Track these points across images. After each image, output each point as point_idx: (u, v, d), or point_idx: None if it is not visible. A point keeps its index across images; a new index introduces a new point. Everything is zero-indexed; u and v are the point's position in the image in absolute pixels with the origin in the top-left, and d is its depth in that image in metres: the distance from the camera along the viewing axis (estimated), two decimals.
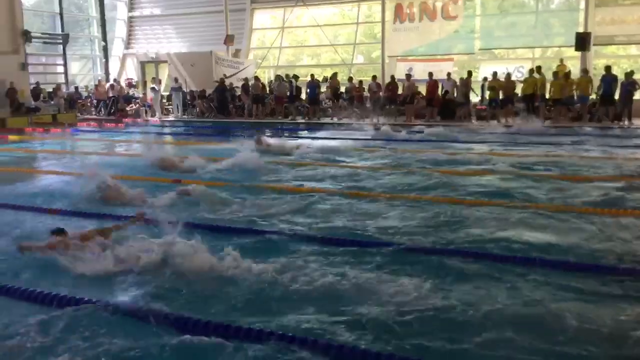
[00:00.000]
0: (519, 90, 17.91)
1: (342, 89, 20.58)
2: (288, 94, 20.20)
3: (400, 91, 19.33)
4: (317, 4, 24.26)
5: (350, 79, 20.63)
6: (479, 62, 22.18)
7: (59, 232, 4.76)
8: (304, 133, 15.84)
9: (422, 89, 19.34)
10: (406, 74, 19.63)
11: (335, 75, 20.80)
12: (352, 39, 24.69)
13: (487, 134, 14.47)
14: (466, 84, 18.14)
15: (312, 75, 20.41)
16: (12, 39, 20.91)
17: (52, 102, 21.46)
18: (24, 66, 21.22)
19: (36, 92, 21.70)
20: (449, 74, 18.86)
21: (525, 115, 16.70)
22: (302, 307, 3.76)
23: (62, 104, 21.56)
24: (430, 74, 18.66)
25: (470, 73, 18.58)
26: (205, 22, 25.75)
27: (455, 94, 18.41)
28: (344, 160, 10.30)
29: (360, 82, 20.24)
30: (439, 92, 18.74)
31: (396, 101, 19.30)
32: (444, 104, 18.68)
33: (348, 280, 4.14)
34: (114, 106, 22.19)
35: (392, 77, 19.78)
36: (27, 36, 21.35)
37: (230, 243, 4.84)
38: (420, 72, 20.58)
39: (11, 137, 15.18)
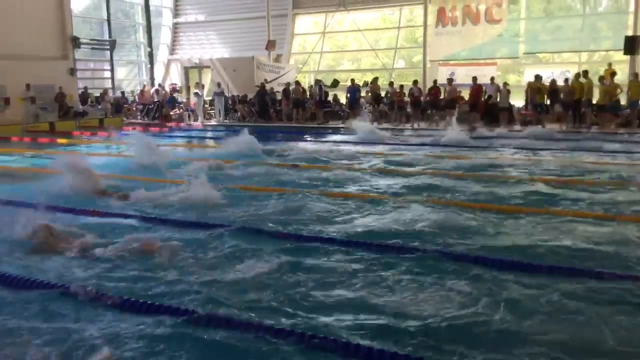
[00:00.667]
0: (564, 95, 17.46)
1: (383, 94, 20.48)
2: (317, 98, 20.31)
3: (442, 96, 19.14)
4: (359, 9, 24.26)
5: (391, 84, 20.53)
6: (523, 66, 21.77)
7: None
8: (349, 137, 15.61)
9: (464, 94, 19.08)
10: (448, 79, 19.42)
11: (376, 79, 20.73)
12: (393, 44, 24.59)
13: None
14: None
15: (352, 80, 20.40)
16: (62, 45, 21.64)
17: (100, 107, 22.08)
18: (72, 71, 21.94)
19: (84, 97, 22.37)
20: (492, 78, 18.55)
21: (570, 120, 16.27)
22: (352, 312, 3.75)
23: (109, 109, 22.16)
24: (474, 78, 18.42)
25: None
26: (248, 27, 26.09)
27: (498, 99, 18.10)
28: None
29: (401, 86, 20.12)
30: (482, 96, 18.46)
31: (438, 106, 19.10)
32: (487, 108, 18.38)
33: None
34: (159, 111, 22.67)
35: (435, 81, 19.59)
36: (76, 42, 22.07)
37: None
38: (462, 76, 20.36)
39: (60, 141, 15.65)
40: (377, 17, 25.43)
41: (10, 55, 19.02)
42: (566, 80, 17.33)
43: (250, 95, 22.15)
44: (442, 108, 18.96)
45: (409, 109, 19.61)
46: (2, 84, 18.87)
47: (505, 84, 18.09)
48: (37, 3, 20.42)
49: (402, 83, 20.96)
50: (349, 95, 19.97)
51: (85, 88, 22.92)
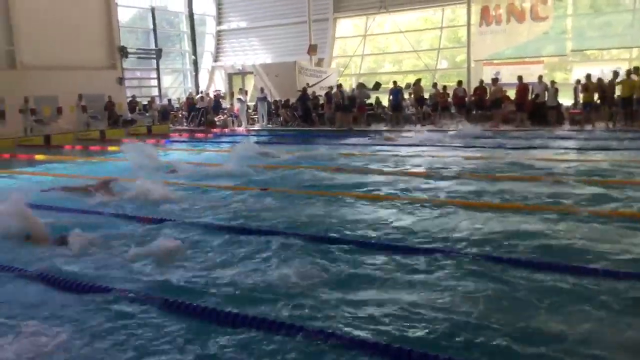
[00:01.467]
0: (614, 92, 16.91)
1: (426, 95, 20.28)
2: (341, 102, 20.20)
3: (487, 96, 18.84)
4: (400, 10, 24.14)
5: (434, 85, 20.32)
6: (571, 63, 21.21)
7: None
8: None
9: (510, 93, 18.72)
10: (492, 78, 19.11)
11: (419, 81, 20.55)
12: (436, 44, 24.34)
13: None
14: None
15: (394, 82, 20.28)
16: (110, 55, 22.32)
17: (147, 114, 22.64)
18: (121, 80, 22.59)
19: (132, 105, 22.97)
20: (540, 77, 18.11)
21: (621, 119, 15.78)
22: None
23: (156, 116, 22.70)
24: (520, 78, 18.04)
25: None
26: (289, 32, 26.31)
27: (546, 98, 17.68)
28: None
29: (444, 87, 19.90)
30: (529, 95, 18.05)
31: (483, 106, 18.80)
32: (535, 108, 17.97)
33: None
34: (204, 117, 23.07)
35: (481, 81, 19.29)
36: (123, 52, 22.71)
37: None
38: (507, 75, 19.99)
39: (110, 148, 16.10)
40: (419, 17, 25.22)
41: (62, 66, 19.75)
42: (616, 76, 16.78)
43: (293, 100, 22.30)
44: (488, 108, 18.67)
45: (452, 110, 19.38)
46: (54, 94, 19.56)
47: (553, 82, 17.65)
48: (87, 15, 21.13)
49: (446, 84, 20.72)
50: (391, 97, 19.85)
51: (133, 96, 23.52)
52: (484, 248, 5.10)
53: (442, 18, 23.98)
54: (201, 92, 25.13)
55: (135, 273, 4.68)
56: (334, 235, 5.69)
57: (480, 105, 18.86)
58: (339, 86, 21.23)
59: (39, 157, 14.05)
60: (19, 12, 18.92)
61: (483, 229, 5.71)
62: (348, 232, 5.80)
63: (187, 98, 24.45)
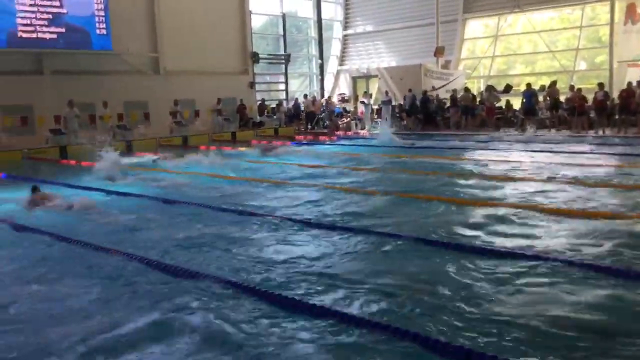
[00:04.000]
0: None
1: (562, 98, 19.03)
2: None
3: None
4: (535, 9, 22.93)
5: (571, 87, 19.02)
6: None
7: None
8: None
9: None
10: (638, 81, 17.49)
11: (554, 83, 19.35)
12: (573, 44, 22.81)
13: None
14: None
15: (528, 84, 19.25)
16: (243, 61, 23.46)
17: (275, 117, 23.46)
18: (252, 85, 23.66)
19: (261, 108, 23.93)
20: None
21: None
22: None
23: (283, 119, 23.46)
24: None
25: None
26: (415, 35, 26.01)
27: None
28: None
29: (579, 90, 18.50)
30: None
31: (629, 111, 17.24)
32: None
33: None
34: (322, 121, 23.44)
35: (629, 83, 17.68)
36: (255, 57, 23.74)
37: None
38: None
39: (240, 149, 16.87)
40: (554, 16, 23.78)
41: (200, 71, 21.09)
42: None
43: (402, 102, 22.02)
44: (633, 113, 17.12)
45: (592, 114, 18.01)
46: (192, 97, 20.89)
47: None
48: (223, 24, 22.38)
49: (583, 86, 19.30)
50: (524, 100, 18.86)
51: (263, 100, 24.49)
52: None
53: (581, 17, 22.41)
54: (312, 95, 25.19)
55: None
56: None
57: (626, 110, 17.29)
58: (466, 89, 20.61)
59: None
60: (163, 23, 20.45)
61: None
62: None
63: (313, 101, 24.85)
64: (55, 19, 17.55)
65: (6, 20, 16.61)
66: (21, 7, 16.86)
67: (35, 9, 17.12)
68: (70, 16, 17.81)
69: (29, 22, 17.05)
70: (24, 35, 17.02)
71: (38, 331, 3.75)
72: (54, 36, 17.58)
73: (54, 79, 17.88)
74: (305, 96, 24.57)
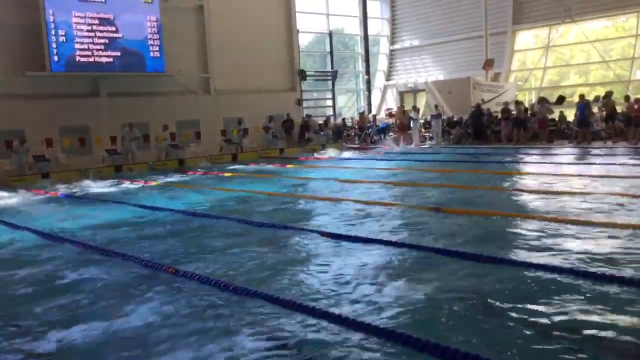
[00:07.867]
0: None
1: (618, 109, 18.38)
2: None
3: None
4: (589, 19, 22.34)
5: (626, 98, 18.37)
6: None
7: None
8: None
9: None
10: None
11: (610, 94, 18.73)
12: (628, 53, 22.05)
13: None
14: None
15: (581, 96, 18.72)
16: (290, 78, 23.80)
17: (322, 133, 23.58)
18: (299, 102, 23.92)
19: (308, 125, 24.09)
20: None
21: None
22: None
23: (330, 135, 23.55)
24: None
25: None
26: (463, 48, 25.76)
27: None
28: None
29: (637, 99, 17.81)
30: None
31: None
32: None
33: None
34: (377, 135, 23.41)
35: None
36: (302, 75, 24.02)
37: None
38: None
39: (289, 166, 17.03)
40: (608, 25, 23.08)
41: (249, 90, 21.52)
42: None
43: (465, 117, 21.65)
44: None
45: None
46: (242, 115, 21.26)
47: None
48: (271, 42, 22.81)
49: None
50: (578, 112, 18.32)
51: (309, 116, 24.68)
52: None
53: (637, 24, 21.67)
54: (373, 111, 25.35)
55: None
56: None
57: None
58: (518, 102, 20.18)
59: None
60: (213, 44, 20.97)
61: None
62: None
63: (360, 116, 24.94)
64: (112, 43, 18.25)
65: (65, 46, 17.39)
66: (79, 33, 17.63)
67: (92, 34, 17.87)
68: (126, 40, 18.48)
69: (86, 47, 17.78)
70: (82, 59, 17.75)
71: None
72: (110, 60, 18.27)
73: (110, 100, 18.59)
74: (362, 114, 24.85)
